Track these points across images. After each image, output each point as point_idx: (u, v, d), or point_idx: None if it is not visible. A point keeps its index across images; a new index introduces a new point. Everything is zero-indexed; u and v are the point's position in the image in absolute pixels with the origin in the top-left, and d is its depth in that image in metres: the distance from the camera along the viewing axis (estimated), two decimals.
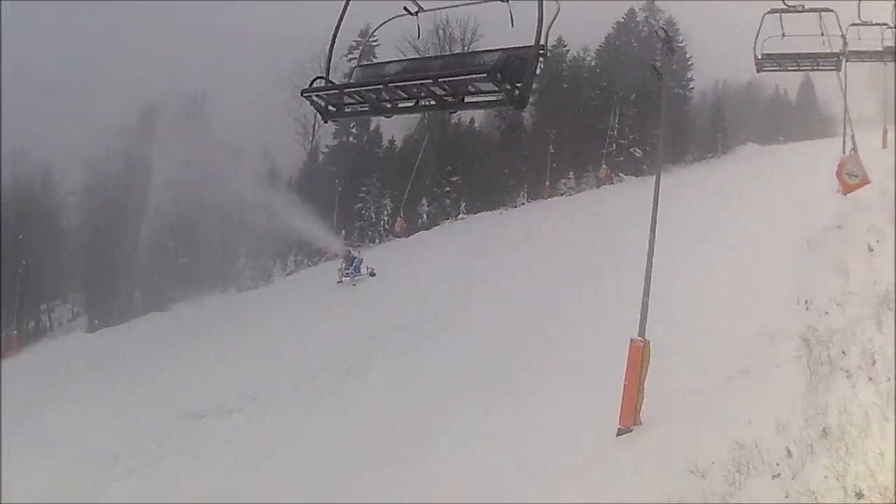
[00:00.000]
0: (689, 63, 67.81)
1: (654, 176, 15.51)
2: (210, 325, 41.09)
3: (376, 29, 8.83)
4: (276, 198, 56.62)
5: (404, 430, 19.47)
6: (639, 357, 14.66)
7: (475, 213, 59.63)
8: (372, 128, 64.94)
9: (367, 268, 42.01)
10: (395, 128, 65.03)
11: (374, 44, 56.51)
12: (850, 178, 26.06)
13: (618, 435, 15.17)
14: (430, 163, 61.35)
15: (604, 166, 60.71)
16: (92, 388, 31.50)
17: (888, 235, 20.62)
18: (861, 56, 25.93)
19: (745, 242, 25.73)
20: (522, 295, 28.54)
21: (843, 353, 14.74)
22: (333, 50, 8.14)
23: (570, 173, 63.24)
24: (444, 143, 64.03)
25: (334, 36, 8.05)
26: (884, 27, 25.28)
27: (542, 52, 7.05)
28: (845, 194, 26.36)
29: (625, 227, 30.61)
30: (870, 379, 13.10)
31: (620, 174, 61.70)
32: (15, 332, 55.93)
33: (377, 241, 60.89)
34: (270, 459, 20.12)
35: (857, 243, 21.08)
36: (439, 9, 8.56)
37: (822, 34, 19.51)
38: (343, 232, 59.15)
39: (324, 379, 24.97)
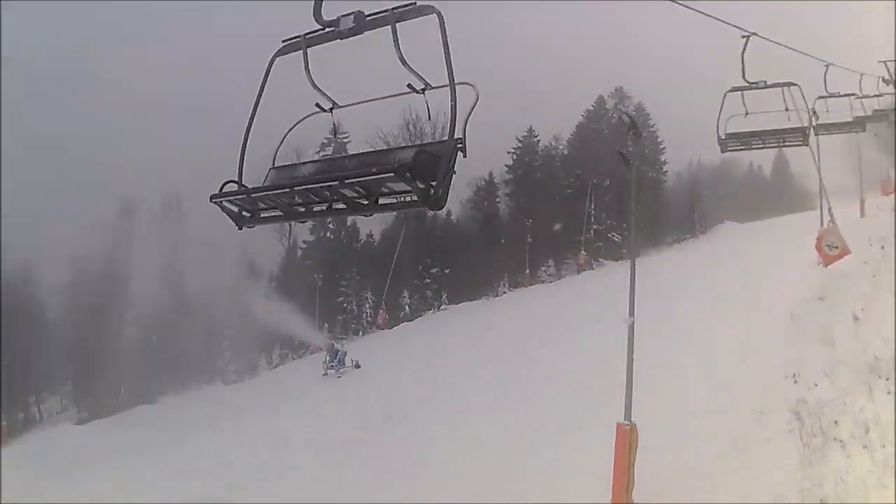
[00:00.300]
0: (662, 147, 69.04)
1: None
2: (197, 418, 40.72)
3: (290, 129, 7.89)
4: (255, 295, 57.31)
5: None
6: (626, 441, 14.39)
7: (457, 304, 59.78)
8: (349, 223, 65.23)
9: (352, 360, 42.06)
10: (371, 222, 65.58)
11: (346, 140, 59.08)
12: (831, 249, 26.20)
13: None
14: (409, 255, 61.24)
15: (583, 252, 61.30)
16: (81, 480, 30.95)
17: (873, 303, 20.73)
18: (830, 129, 25.81)
19: (729, 320, 25.77)
20: (509, 382, 28.30)
21: (836, 423, 14.53)
22: (245, 151, 7.37)
23: (550, 261, 64.18)
24: (421, 235, 64.25)
25: (246, 134, 7.37)
26: (852, 97, 25.51)
27: (459, 145, 6.38)
28: (826, 266, 26.47)
29: (606, 310, 30.53)
30: (864, 447, 12.94)
31: (600, 259, 62.42)
32: (4, 423, 55.39)
33: (360, 333, 61.03)
34: None
35: (841, 313, 21.02)
36: (353, 104, 7.62)
37: (787, 109, 18.35)
38: (326, 325, 59.43)
39: (310, 469, 24.58)
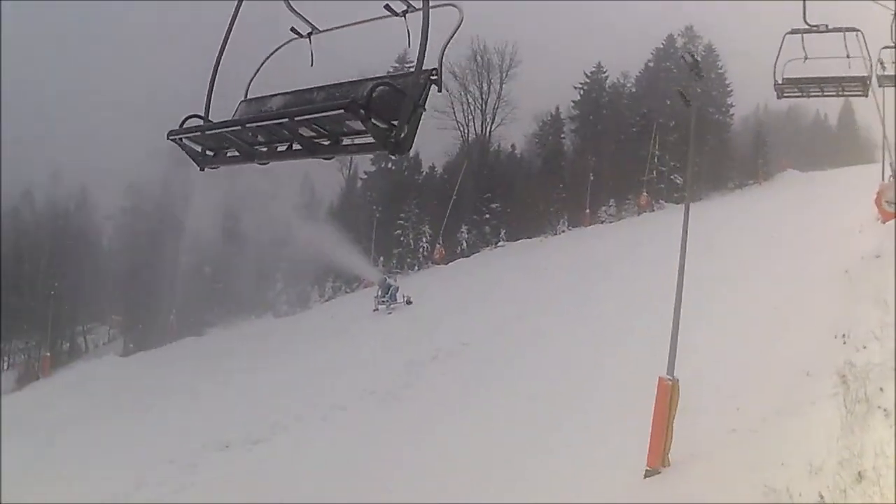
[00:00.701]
0: (729, 89, 67.81)
1: (696, 202, 15.21)
2: (244, 352, 40.96)
3: (267, 58, 7.18)
4: (310, 226, 56.86)
5: (433, 469, 19.00)
6: (667, 396, 14.14)
7: (515, 241, 59.75)
8: (412, 153, 63.39)
9: (404, 296, 42.27)
10: (434, 153, 65.47)
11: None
12: (890, 205, 25.58)
13: (645, 476, 14.72)
14: (469, 189, 61.64)
15: (644, 193, 60.70)
16: (120, 415, 31.35)
17: None
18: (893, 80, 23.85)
19: (782, 275, 25.22)
20: (558, 326, 28.07)
21: (881, 389, 14.00)
22: (214, 84, 6.75)
23: (611, 200, 63.25)
24: (483, 169, 64.26)
25: (216, 66, 6.70)
26: None
27: (433, 77, 5.59)
28: (884, 222, 25.72)
29: (665, 258, 30.08)
30: None
31: (661, 201, 61.57)
32: (48, 354, 56.17)
33: (416, 268, 61.12)
34: (293, 493, 19.61)
35: None
36: (333, 29, 6.96)
37: (849, 56, 17.25)
38: (381, 259, 59.45)
39: (354, 410, 24.59)
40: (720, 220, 39.42)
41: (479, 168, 63.97)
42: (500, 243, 60.61)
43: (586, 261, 41.71)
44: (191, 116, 6.47)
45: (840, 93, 19.45)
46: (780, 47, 17.50)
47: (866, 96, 19.19)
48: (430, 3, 5.38)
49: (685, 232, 14.58)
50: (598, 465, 16.20)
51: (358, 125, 5.46)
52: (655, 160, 62.00)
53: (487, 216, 62.57)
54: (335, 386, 27.33)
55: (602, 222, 60.22)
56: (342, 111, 5.21)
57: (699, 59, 63.30)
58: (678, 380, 14.15)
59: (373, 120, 5.28)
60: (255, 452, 23.24)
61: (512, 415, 20.85)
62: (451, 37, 5.70)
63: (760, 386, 16.96)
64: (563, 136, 67.93)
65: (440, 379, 25.92)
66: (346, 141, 5.88)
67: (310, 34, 6.91)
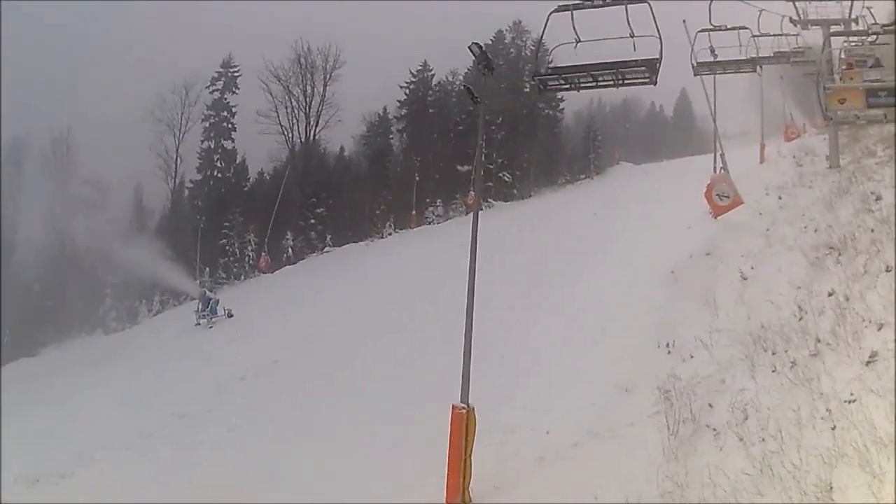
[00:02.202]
0: None
1: (526, 199, 15.05)
2: (56, 377, 38.34)
3: (551, 50, 15.53)
4: (132, 238, 56.16)
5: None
6: (461, 426, 12.74)
7: (341, 246, 59.39)
8: (238, 160, 65.24)
9: (225, 308, 41.90)
10: (262, 159, 65.50)
11: (236, 74, 63.77)
12: (721, 199, 25.72)
13: None
14: (295, 195, 61.54)
15: (472, 192, 59.64)
16: None
17: (764, 261, 19.87)
18: (767, 60, 31.62)
19: (603, 279, 24.55)
20: (374, 340, 27.03)
21: (710, 405, 13.27)
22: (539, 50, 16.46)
23: (438, 201, 63.25)
24: (309, 173, 63.97)
25: (538, 46, 15.22)
26: (775, 36, 31.31)
27: (660, 60, 12.94)
28: (716, 217, 25.87)
29: (489, 259, 29.44)
30: (741, 440, 11.57)
31: (489, 199, 61.76)
32: None
33: (242, 277, 60.29)
34: None
35: (728, 272, 20.06)
36: (591, 40, 14.33)
37: (740, 45, 27.17)
38: (208, 269, 58.45)
39: (160, 436, 22.95)
40: (542, 218, 39.34)
41: (304, 172, 63.84)
42: (326, 249, 60.25)
43: (410, 265, 40.78)
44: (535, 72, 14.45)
45: (737, 71, 28.34)
46: (694, 40, 27.19)
47: (755, 72, 29.13)
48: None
49: (474, 242, 13.46)
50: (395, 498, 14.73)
51: (634, 75, 13.38)
52: (483, 158, 61.18)
53: (313, 221, 61.95)
54: (144, 410, 25.39)
55: (429, 223, 60.73)
56: (643, 67, 13.03)
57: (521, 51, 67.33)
58: (473, 407, 12.71)
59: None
60: (63, 486, 20.90)
61: (316, 440, 19.17)
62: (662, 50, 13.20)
63: (574, 405, 15.96)
64: (391, 136, 68.14)
65: (246, 401, 24.33)
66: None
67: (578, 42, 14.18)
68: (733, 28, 26.71)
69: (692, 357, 15.82)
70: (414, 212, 60.06)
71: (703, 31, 26.69)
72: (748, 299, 17.55)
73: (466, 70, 65.47)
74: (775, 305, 16.25)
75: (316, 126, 65.41)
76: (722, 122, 31.80)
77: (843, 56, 23.12)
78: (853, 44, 23.51)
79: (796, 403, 11.40)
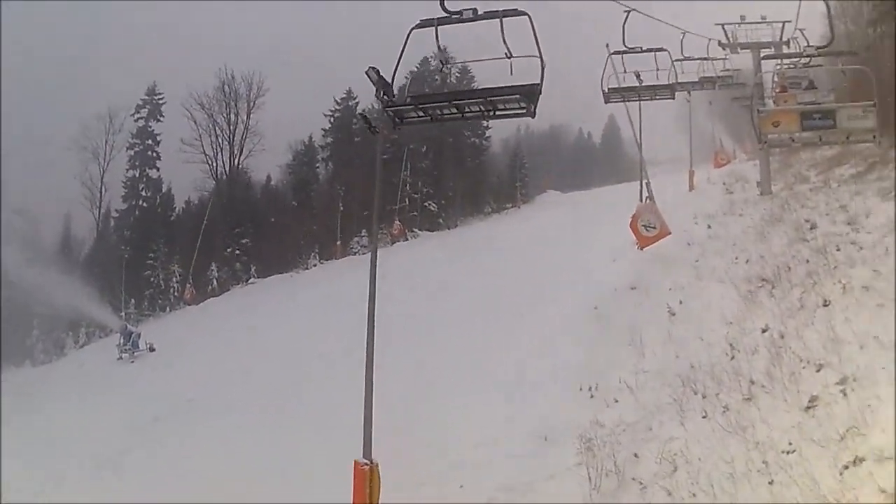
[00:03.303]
0: None
1: (452, 229, 14.29)
2: None
3: (411, 77, 15.55)
4: (55, 270, 54.78)
5: None
6: (364, 484, 11.68)
7: (266, 277, 58.72)
8: (164, 189, 64.50)
9: (146, 343, 41.68)
10: (188, 188, 64.77)
11: (161, 101, 63.38)
12: (647, 229, 25.11)
13: None
14: (221, 224, 60.95)
15: (397, 222, 60.44)
16: None
17: (694, 295, 19.35)
18: (684, 86, 30.86)
19: (526, 316, 23.61)
20: (291, 378, 25.84)
21: (636, 456, 12.55)
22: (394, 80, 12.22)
23: (363, 230, 62.12)
24: (233, 202, 63.32)
25: (395, 71, 12.22)
26: (701, 60, 30.97)
27: (540, 89, 11.14)
28: (642, 248, 25.18)
29: (406, 294, 29.32)
30: (669, 494, 10.90)
31: (415, 229, 61.87)
32: None
33: (167, 309, 59.65)
34: None
35: (654, 307, 19.48)
36: (464, 62, 14.82)
37: (657, 69, 24.55)
38: (133, 301, 58.09)
39: (71, 481, 21.66)
40: (465, 251, 38.44)
41: (229, 202, 63.05)
42: (250, 280, 59.65)
43: (333, 297, 39.93)
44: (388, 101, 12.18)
45: (653, 97, 26.00)
46: (605, 64, 24.32)
47: (673, 98, 26.95)
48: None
49: (373, 283, 12.50)
50: None
51: (508, 105, 11.56)
52: (407, 187, 63.09)
53: (238, 252, 61.47)
54: (57, 453, 24.05)
55: (354, 254, 59.64)
56: (517, 95, 11.23)
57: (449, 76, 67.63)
58: (377, 463, 11.68)
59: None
60: None
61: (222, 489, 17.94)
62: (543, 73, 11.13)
63: (490, 456, 15.04)
64: (316, 165, 67.50)
65: (159, 444, 23.15)
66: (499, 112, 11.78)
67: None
68: (650, 50, 24.15)
69: (616, 401, 15.19)
70: (339, 242, 59.90)
71: (616, 53, 24.16)
72: (676, 337, 16.96)
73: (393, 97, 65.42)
74: (706, 343, 15.73)
75: (240, 154, 65.22)
76: (651, 148, 31.98)
77: (776, 79, 23.51)
78: (786, 66, 23.57)
79: (729, 454, 10.84)
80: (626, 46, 23.76)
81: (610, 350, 17.82)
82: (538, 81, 10.99)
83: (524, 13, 10.94)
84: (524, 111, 11.40)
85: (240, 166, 65.27)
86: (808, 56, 20.40)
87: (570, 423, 14.58)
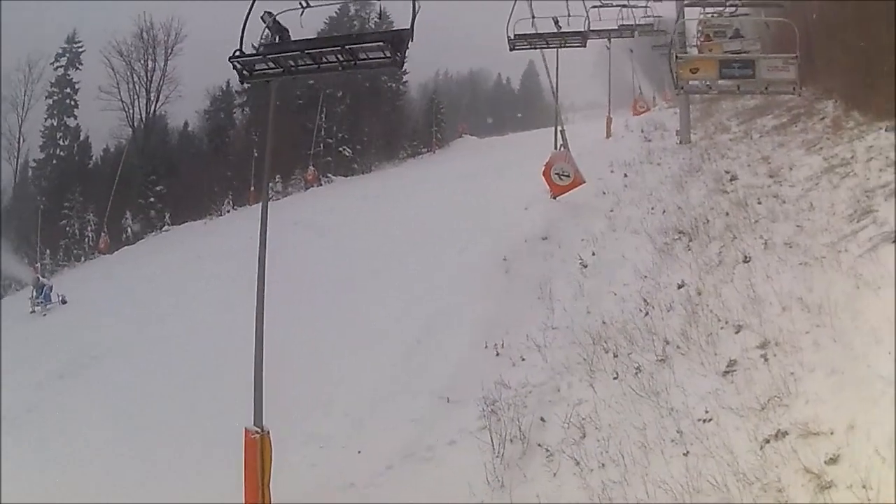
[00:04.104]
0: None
1: (366, 174, 13.61)
2: None
3: (274, 17, 11.49)
4: None
5: None
6: (256, 452, 10.94)
7: (181, 224, 58.39)
8: (81, 138, 63.76)
9: (58, 295, 40.59)
10: (106, 137, 63.74)
11: (80, 49, 62.89)
12: (561, 178, 24.47)
13: None
14: (137, 172, 60.99)
15: (311, 168, 61.07)
16: None
17: (608, 246, 18.87)
18: (601, 34, 30.48)
19: (433, 267, 22.67)
20: (200, 327, 25.11)
21: (542, 420, 11.97)
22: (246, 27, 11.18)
23: (278, 176, 61.95)
24: (150, 150, 63.42)
25: (246, 18, 11.12)
26: (621, 7, 30.65)
27: (411, 34, 10.10)
28: (555, 197, 24.46)
29: (310, 242, 29.24)
30: (577, 463, 10.37)
31: (329, 175, 62.35)
32: None
33: (82, 259, 58.73)
34: None
35: (566, 259, 18.91)
36: (325, 4, 13.70)
37: (568, 15, 22.91)
38: (48, 252, 57.11)
39: None
40: (374, 198, 38.06)
41: (144, 149, 63.14)
42: (165, 228, 59.39)
43: (246, 244, 38.86)
44: (236, 51, 11.13)
45: (563, 45, 24.38)
46: (512, 9, 23.01)
47: (584, 46, 24.52)
48: None
49: (263, 238, 11.69)
50: None
51: (373, 53, 10.46)
52: (322, 132, 63.76)
53: (153, 199, 61.35)
54: None
55: (269, 199, 58.01)
56: (380, 42, 10.33)
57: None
58: (268, 431, 10.81)
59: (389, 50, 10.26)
60: None
61: (111, 455, 17.07)
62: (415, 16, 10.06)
63: (391, 418, 14.30)
64: (233, 112, 67.75)
65: (64, 400, 22.41)
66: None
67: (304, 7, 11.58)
68: None
69: (523, 360, 14.52)
70: (252, 188, 59.16)
71: None
72: (588, 290, 16.51)
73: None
74: (618, 298, 15.25)
75: (157, 101, 64.77)
76: (570, 94, 31.50)
77: (700, 28, 23.43)
78: (711, 15, 23.48)
79: (641, 420, 10.38)
80: None
81: (518, 304, 17.16)
82: (408, 27, 10.06)
83: None
84: (389, 60, 10.47)
85: (156, 113, 65.08)
86: (732, 5, 19.98)
87: (474, 384, 13.84)
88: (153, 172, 61.87)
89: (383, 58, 10.52)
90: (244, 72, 11.51)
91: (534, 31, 23.89)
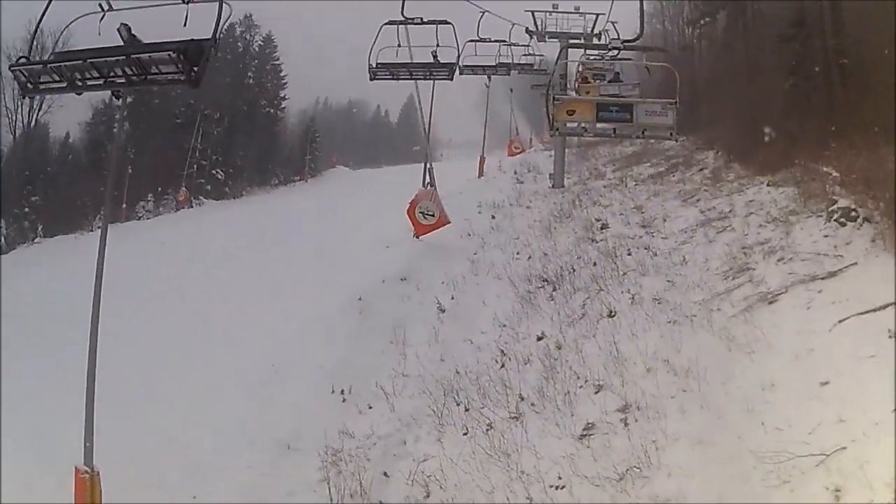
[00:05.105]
0: (284, 81, 69.76)
1: (237, 199, 12.61)
2: None
3: (68, 25, 10.67)
4: None
5: None
6: (86, 492, 10.28)
7: (52, 237, 57.01)
8: None
9: None
10: None
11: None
12: (426, 217, 23.96)
13: None
14: (17, 181, 59.54)
15: (183, 188, 60.95)
16: None
17: (469, 290, 18.38)
18: (475, 70, 29.60)
19: (289, 305, 21.73)
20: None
21: (386, 475, 11.32)
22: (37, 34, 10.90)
23: (150, 196, 62.51)
24: (28, 159, 62.21)
25: (39, 20, 10.50)
26: (500, 44, 30.05)
27: (214, 44, 8.92)
28: (420, 237, 24.02)
29: (188, 267, 28.60)
30: None
31: (201, 197, 62.18)
32: None
33: None
34: None
35: (424, 302, 18.28)
36: (128, 9, 9.93)
37: (437, 45, 21.64)
38: None
39: None
40: (239, 225, 37.43)
41: (24, 158, 61.82)
42: (36, 239, 58.06)
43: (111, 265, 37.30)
44: (21, 57, 10.83)
45: (427, 76, 23.25)
46: (377, 36, 21.40)
47: (451, 80, 23.34)
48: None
49: (100, 270, 10.71)
50: None
51: (166, 68, 9.12)
52: (197, 153, 63.80)
53: (27, 209, 60.01)
54: None
55: (139, 218, 59.78)
56: (171, 52, 8.90)
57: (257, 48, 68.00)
58: (98, 472, 10.15)
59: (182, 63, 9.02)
60: None
61: None
62: (226, 21, 9.20)
63: (229, 466, 13.31)
64: (114, 126, 64.29)
65: None
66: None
67: (106, 11, 10.01)
68: (431, 22, 21.41)
69: (370, 408, 13.80)
70: (125, 205, 59.17)
71: (390, 23, 21.52)
72: (444, 337, 15.96)
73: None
74: (474, 346, 14.79)
75: (39, 110, 63.04)
76: (449, 130, 30.93)
77: (580, 69, 23.00)
78: (593, 58, 23.07)
79: (490, 483, 9.80)
80: (403, 16, 21.13)
81: (370, 348, 16.37)
82: (208, 37, 8.97)
83: None
84: (184, 76, 9.08)
85: (37, 122, 63.49)
86: (614, 48, 19.82)
87: (317, 431, 13.06)
88: (30, 182, 60.97)
89: (177, 72, 9.22)
90: (28, 84, 10.04)
91: (399, 62, 22.61)
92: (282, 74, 69.41)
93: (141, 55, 9.12)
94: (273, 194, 61.84)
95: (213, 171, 63.57)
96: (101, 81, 9.58)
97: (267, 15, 67.30)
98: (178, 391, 16.73)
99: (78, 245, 48.99)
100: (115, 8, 9.80)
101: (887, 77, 16.76)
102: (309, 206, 43.97)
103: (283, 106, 69.99)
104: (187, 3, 9.26)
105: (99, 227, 55.79)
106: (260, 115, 66.25)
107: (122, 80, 9.44)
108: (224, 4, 8.84)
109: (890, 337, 8.95)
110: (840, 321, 9.87)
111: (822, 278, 11.46)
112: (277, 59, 69.11)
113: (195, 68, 8.90)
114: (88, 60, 9.39)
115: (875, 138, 14.88)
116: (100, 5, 9.91)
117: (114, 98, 12.45)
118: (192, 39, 8.87)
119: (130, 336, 17.77)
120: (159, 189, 62.51)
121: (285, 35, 69.34)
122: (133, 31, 9.42)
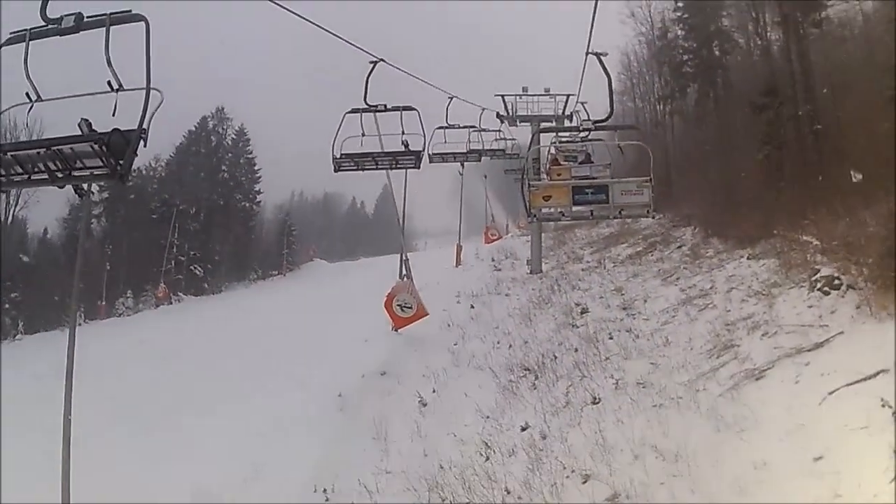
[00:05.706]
0: (258, 175, 69.85)
1: (216, 294, 12.40)
2: None
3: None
4: None
5: None
6: None
7: (33, 334, 56.43)
8: None
9: None
10: None
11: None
12: (403, 309, 23.54)
13: None
14: None
15: (162, 285, 60.68)
16: None
17: (449, 384, 18.01)
18: (446, 157, 29.32)
19: (268, 402, 21.16)
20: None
21: None
22: None
23: (129, 292, 61.99)
24: (7, 255, 60.10)
25: None
26: (470, 129, 29.34)
27: (143, 135, 8.43)
28: (398, 330, 23.74)
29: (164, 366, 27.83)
30: None
31: (180, 293, 61.84)
32: None
33: None
34: None
35: (405, 396, 17.97)
36: (53, 99, 9.48)
37: (403, 133, 20.99)
38: None
39: None
40: (217, 322, 36.84)
41: (5, 253, 59.38)
42: (17, 336, 57.12)
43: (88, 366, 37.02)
44: None
45: (393, 166, 22.18)
46: (340, 125, 20.70)
47: (419, 168, 22.33)
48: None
49: (70, 372, 10.65)
50: None
51: (92, 162, 8.61)
52: (175, 249, 63.24)
53: (7, 306, 58.73)
54: None
55: (119, 315, 59.30)
56: (94, 145, 8.39)
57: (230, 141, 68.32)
58: None
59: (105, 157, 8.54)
60: None
61: None
62: (156, 110, 8.51)
63: None
64: (91, 222, 64.10)
65: None
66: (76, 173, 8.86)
67: (35, 101, 9.49)
68: (396, 109, 21.17)
69: None
70: (103, 302, 59.17)
71: (353, 111, 20.92)
72: (426, 431, 15.65)
73: (170, 156, 67.03)
74: (458, 440, 14.42)
75: (15, 206, 62.90)
76: (424, 219, 30.56)
77: (551, 152, 23.32)
78: (565, 140, 23.35)
79: None
80: (366, 104, 20.88)
81: (352, 445, 16.13)
82: (137, 127, 8.50)
83: (141, 17, 8.72)
84: (108, 172, 8.55)
85: (13, 218, 63.11)
86: (585, 129, 19.76)
87: None
88: (9, 278, 59.43)
89: (102, 166, 8.63)
90: None
91: (363, 152, 21.52)
92: (255, 168, 69.25)
93: (62, 147, 8.57)
94: (252, 289, 62.00)
95: (192, 267, 63.56)
96: (24, 177, 9.09)
97: (239, 104, 68.36)
98: (160, 492, 16.43)
99: (61, 340, 49.94)
100: (43, 98, 9.32)
101: (863, 139, 16.85)
102: (286, 301, 43.86)
103: (258, 200, 69.97)
104: (117, 91, 8.67)
105: (79, 324, 55.02)
106: (236, 209, 66.36)
107: (45, 177, 8.83)
108: (153, 91, 8.35)
109: (882, 406, 8.77)
110: (830, 393, 9.72)
111: (809, 350, 11.33)
112: (251, 153, 69.05)
113: (121, 162, 8.38)
114: (9, 154, 8.85)
115: (854, 202, 14.90)
116: (26, 94, 9.33)
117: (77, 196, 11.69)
118: (116, 129, 8.30)
119: (110, 439, 17.60)
120: (138, 285, 62.29)
121: (261, 124, 69.90)
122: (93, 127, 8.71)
